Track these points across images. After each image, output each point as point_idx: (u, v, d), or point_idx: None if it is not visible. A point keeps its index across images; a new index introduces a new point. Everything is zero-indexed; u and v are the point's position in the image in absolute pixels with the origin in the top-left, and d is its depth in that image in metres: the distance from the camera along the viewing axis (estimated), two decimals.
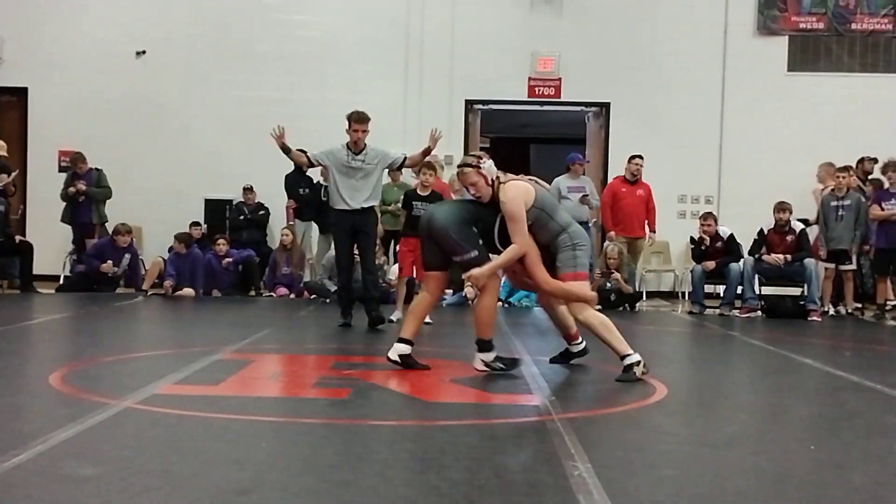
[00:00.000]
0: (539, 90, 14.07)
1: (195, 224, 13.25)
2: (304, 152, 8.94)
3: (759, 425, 4.73)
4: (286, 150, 8.99)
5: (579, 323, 5.94)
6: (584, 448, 3.83)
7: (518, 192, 5.85)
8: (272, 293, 12.40)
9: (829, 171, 12.04)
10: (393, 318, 9.25)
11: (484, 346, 6.00)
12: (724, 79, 13.78)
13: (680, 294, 13.17)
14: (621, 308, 11.58)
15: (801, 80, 13.75)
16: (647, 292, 12.75)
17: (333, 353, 7.15)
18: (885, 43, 13.80)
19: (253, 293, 12.42)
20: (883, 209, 11.18)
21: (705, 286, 11.58)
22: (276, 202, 13.08)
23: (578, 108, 14.43)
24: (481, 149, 14.83)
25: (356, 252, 9.03)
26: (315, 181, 12.77)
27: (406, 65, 13.99)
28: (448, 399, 5.31)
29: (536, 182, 6.18)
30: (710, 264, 11.34)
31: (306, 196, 12.71)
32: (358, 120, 8.78)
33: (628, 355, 5.65)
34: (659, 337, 9.21)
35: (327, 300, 11.33)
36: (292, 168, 12.75)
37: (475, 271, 5.79)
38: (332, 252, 10.22)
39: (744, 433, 4.51)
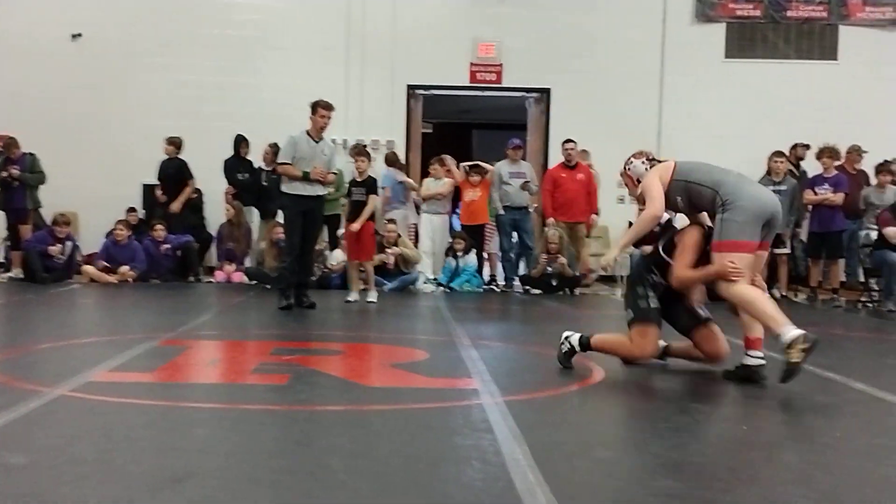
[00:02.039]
0: (481, 76, 14.10)
1: (131, 210, 13.07)
2: (288, 164, 8.96)
3: (693, 406, 4.80)
4: (305, 175, 8.92)
5: (730, 299, 5.20)
6: (522, 430, 3.86)
7: (653, 171, 5.51)
8: (220, 272, 12.33)
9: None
10: (350, 298, 9.62)
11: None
12: (663, 65, 13.93)
13: (619, 278, 13.28)
14: (562, 292, 11.68)
15: (738, 66, 13.95)
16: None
17: (273, 339, 7.11)
18: (820, 30, 14.04)
19: (192, 279, 12.29)
20: (816, 194, 11.40)
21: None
22: (214, 187, 12.92)
23: (519, 94, 14.49)
24: (423, 134, 14.84)
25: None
26: (256, 166, 12.68)
27: (347, 49, 13.91)
28: (388, 384, 5.31)
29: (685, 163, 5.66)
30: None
31: (245, 181, 12.61)
32: (326, 106, 9.01)
33: (782, 335, 4.86)
34: (599, 321, 9.30)
35: (267, 286, 11.27)
36: (232, 153, 12.69)
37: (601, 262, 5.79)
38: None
39: (678, 414, 4.59)
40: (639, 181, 5.59)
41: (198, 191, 13.12)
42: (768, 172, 11.77)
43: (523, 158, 12.69)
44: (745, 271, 5.07)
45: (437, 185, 12.34)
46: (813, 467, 3.55)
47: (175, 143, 12.69)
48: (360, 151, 10.36)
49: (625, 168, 5.78)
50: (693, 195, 5.34)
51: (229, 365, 6.09)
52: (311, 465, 3.36)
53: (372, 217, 9.87)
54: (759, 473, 3.41)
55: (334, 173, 9.39)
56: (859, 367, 6.35)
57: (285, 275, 9.06)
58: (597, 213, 12.31)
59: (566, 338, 5.66)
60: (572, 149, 12.12)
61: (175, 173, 12.64)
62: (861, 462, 3.70)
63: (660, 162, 5.67)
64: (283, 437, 3.83)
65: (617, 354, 5.55)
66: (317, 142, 9.02)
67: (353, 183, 9.83)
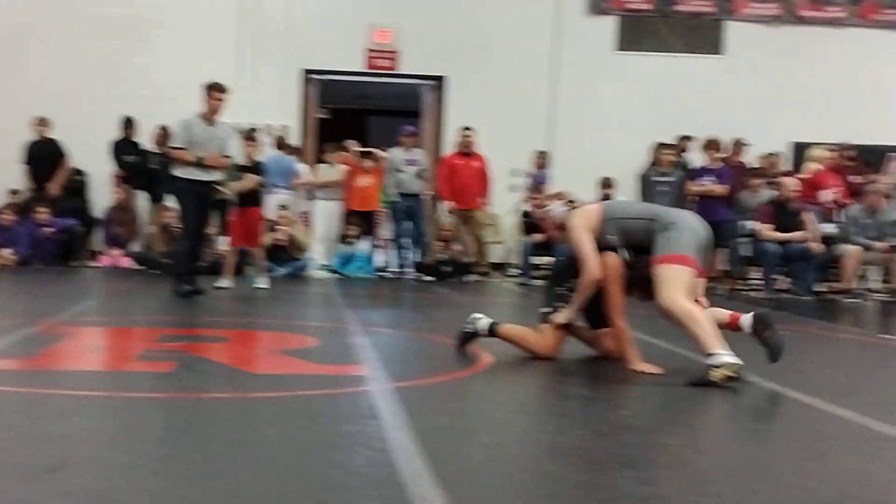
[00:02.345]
0: (376, 62, 14.05)
1: (14, 192, 12.63)
2: (181, 148, 8.71)
3: (577, 392, 4.90)
4: (200, 161, 8.67)
5: (670, 311, 5.05)
6: (409, 417, 3.88)
7: (576, 219, 5.41)
8: (105, 256, 12.02)
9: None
10: (222, 285, 9.26)
11: None
12: (556, 57, 14.10)
13: (509, 265, 13.45)
14: (454, 279, 11.76)
15: (628, 59, 14.21)
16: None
17: (160, 326, 6.97)
18: (708, 25, 14.42)
19: (77, 264, 11.96)
20: (700, 185, 11.73)
21: (534, 258, 11.88)
22: (101, 169, 12.58)
23: (415, 81, 14.50)
24: (319, 120, 14.73)
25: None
26: (145, 148, 12.40)
27: (241, 31, 13.68)
28: (276, 371, 5.27)
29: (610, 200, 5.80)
30: (539, 237, 11.64)
31: (133, 163, 12.31)
32: (220, 89, 8.82)
33: (713, 355, 4.77)
34: (487, 308, 9.38)
35: (156, 271, 11.07)
36: (120, 134, 12.39)
37: (554, 317, 5.48)
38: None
39: (562, 400, 4.68)
40: (560, 225, 5.59)
41: (82, 173, 12.77)
42: (655, 163, 12.08)
43: (418, 146, 12.72)
44: (687, 288, 5.06)
45: (331, 171, 12.28)
46: (688, 450, 3.66)
47: (46, 122, 12.32)
48: (248, 136, 10.39)
49: (544, 212, 5.78)
50: (629, 229, 5.34)
51: (113, 352, 5.96)
52: (193, 453, 3.32)
53: (258, 202, 9.81)
54: (636, 457, 3.50)
55: (228, 157, 9.20)
56: (736, 353, 6.55)
57: (183, 259, 8.84)
58: (486, 203, 12.44)
59: (474, 319, 5.68)
60: (469, 136, 12.21)
61: (50, 154, 12.26)
62: (734, 445, 3.84)
63: (576, 204, 5.71)
64: (166, 425, 3.77)
65: (521, 347, 5.60)
66: (211, 125, 8.83)
67: (240, 168, 9.76)
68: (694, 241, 5.19)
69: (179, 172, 8.76)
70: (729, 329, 5.20)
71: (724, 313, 5.32)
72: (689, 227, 5.26)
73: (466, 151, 12.25)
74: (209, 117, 8.83)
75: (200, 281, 9.01)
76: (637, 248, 5.32)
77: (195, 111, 8.88)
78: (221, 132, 8.96)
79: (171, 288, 8.60)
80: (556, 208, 5.70)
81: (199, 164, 8.64)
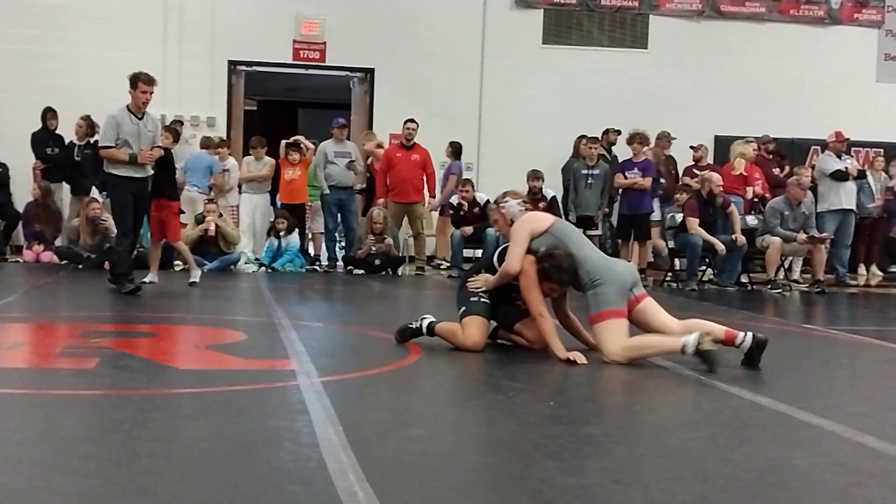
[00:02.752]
0: (304, 53, 13.93)
1: None
2: (111, 147, 8.40)
3: (505, 384, 4.93)
4: (132, 159, 8.42)
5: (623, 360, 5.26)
6: (337, 411, 3.87)
7: (527, 218, 5.75)
8: (29, 250, 11.74)
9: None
10: (146, 280, 9.03)
11: None
12: (483, 50, 14.13)
13: (440, 258, 13.45)
14: (385, 272, 11.73)
15: (554, 52, 14.30)
16: (410, 257, 12.93)
17: (83, 321, 6.84)
18: (632, 19, 14.58)
19: None
20: (626, 178, 11.87)
21: (464, 250, 11.91)
22: (22, 162, 12.28)
23: (344, 74, 14.42)
24: (247, 112, 14.56)
25: None
26: (68, 141, 12.11)
27: (165, 22, 13.43)
28: (202, 366, 5.22)
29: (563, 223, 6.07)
30: (468, 229, 11.68)
31: (55, 156, 12.03)
32: (147, 81, 8.44)
33: (684, 344, 5.03)
34: (417, 300, 9.42)
35: (79, 266, 10.85)
36: (40, 125, 12.10)
37: (477, 279, 5.74)
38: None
39: (490, 392, 4.71)
40: (512, 221, 5.77)
41: (3, 165, 12.45)
42: (580, 156, 12.19)
43: (348, 138, 12.65)
44: (625, 334, 5.32)
45: (257, 165, 12.17)
46: (613, 440, 3.72)
47: None
48: (167, 127, 10.23)
49: (498, 204, 5.92)
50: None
51: (34, 348, 5.83)
52: (114, 451, 3.26)
53: (172, 196, 9.50)
54: (562, 447, 3.54)
55: (160, 147, 8.90)
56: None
57: (124, 257, 8.53)
58: (433, 197, 12.44)
59: (422, 318, 5.80)
60: (413, 129, 12.13)
61: None
62: (658, 434, 3.91)
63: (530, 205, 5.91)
64: (88, 422, 3.71)
65: (451, 342, 5.70)
66: (139, 118, 8.47)
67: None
68: (620, 291, 5.42)
69: (112, 170, 8.47)
70: (724, 345, 5.25)
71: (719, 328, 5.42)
72: (615, 279, 5.44)
73: (408, 144, 12.18)
74: (137, 111, 8.47)
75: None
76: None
77: (122, 105, 8.50)
78: (151, 125, 8.63)
79: (123, 289, 8.30)
80: (513, 205, 5.85)
81: (133, 163, 8.41)
